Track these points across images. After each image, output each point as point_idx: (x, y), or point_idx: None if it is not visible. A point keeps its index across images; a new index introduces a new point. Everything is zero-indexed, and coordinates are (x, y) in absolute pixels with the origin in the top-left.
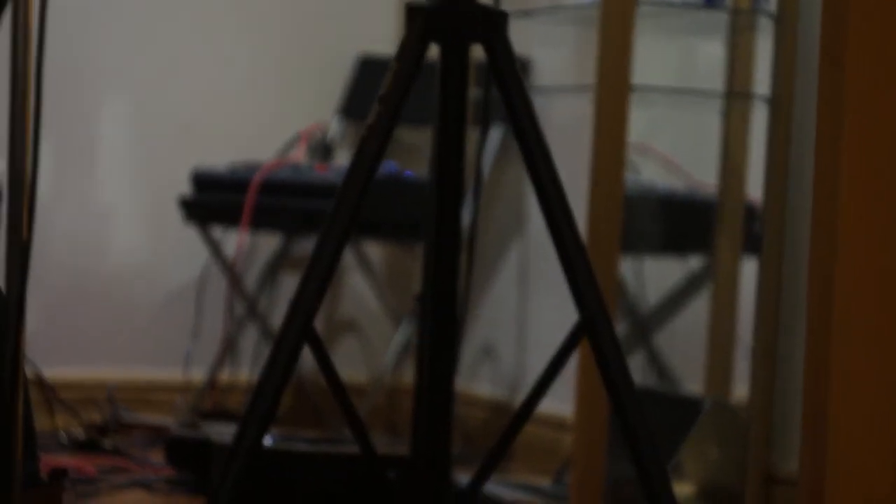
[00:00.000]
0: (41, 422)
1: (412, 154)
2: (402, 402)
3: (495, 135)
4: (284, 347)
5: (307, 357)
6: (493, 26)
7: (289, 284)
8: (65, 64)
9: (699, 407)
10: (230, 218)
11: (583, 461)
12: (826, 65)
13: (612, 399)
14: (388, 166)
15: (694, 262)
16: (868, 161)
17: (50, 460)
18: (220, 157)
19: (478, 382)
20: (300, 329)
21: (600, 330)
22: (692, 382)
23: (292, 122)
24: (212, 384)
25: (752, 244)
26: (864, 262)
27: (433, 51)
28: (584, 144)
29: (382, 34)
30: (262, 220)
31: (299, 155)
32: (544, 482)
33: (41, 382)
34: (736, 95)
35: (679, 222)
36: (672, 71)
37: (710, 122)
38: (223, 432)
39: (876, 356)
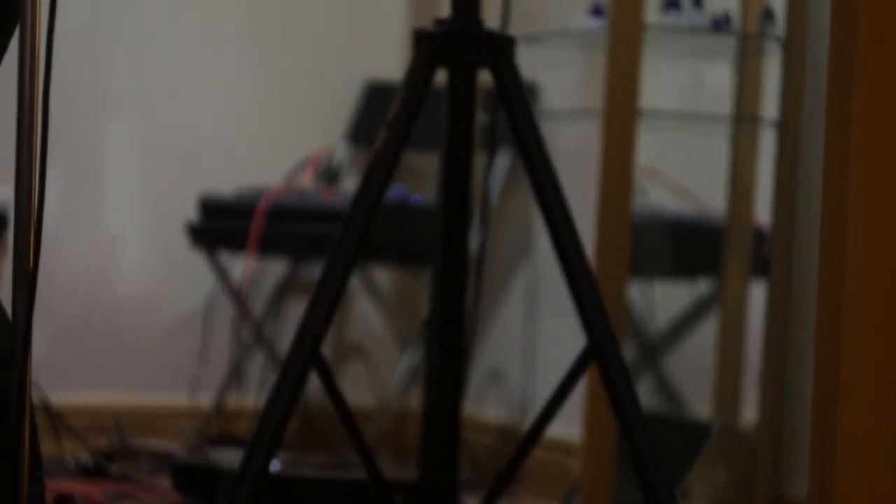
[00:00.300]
0: (48, 448)
1: (420, 178)
2: (409, 427)
3: (503, 159)
4: (291, 373)
5: (314, 382)
6: (501, 51)
7: (296, 310)
8: (72, 89)
9: (707, 431)
10: (237, 243)
11: (591, 485)
12: (834, 89)
13: (620, 423)
14: (396, 191)
15: (702, 286)
16: (876, 184)
17: (56, 486)
18: (228, 183)
19: (485, 407)
20: (307, 354)
21: (608, 354)
22: (700, 406)
23: (300, 147)
24: (219, 410)
25: (760, 267)
26: (874, 285)
27: (441, 76)
28: (591, 169)
29: (391, 60)
30: (269, 246)
31: (306, 180)
32: None
33: (48, 408)
34: (744, 119)
35: (687, 246)
36: (680, 95)
37: (718, 146)
38: (230, 458)
39: (886, 379)
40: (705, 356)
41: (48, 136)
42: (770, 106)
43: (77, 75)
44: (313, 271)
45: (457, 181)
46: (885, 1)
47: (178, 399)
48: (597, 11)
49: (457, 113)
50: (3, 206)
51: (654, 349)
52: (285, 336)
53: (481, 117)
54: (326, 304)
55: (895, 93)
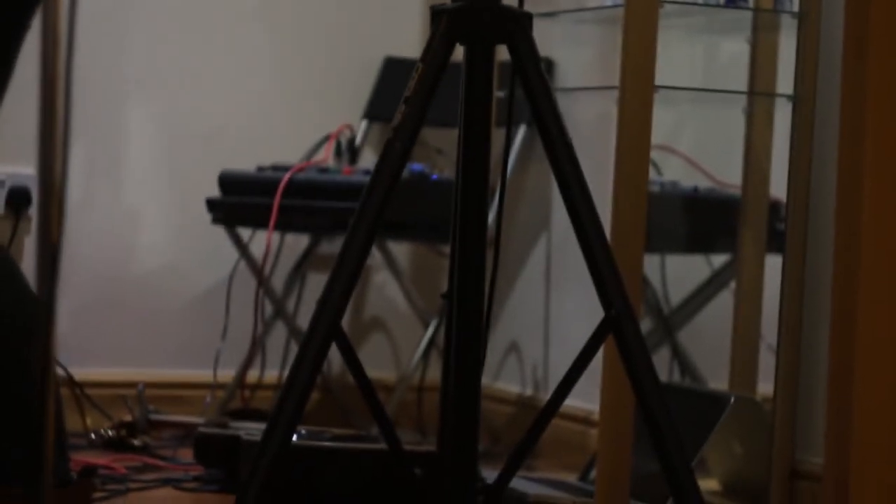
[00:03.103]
0: (71, 422)
1: (438, 155)
2: (429, 400)
3: (520, 135)
4: (312, 346)
5: (335, 355)
6: (518, 27)
7: (316, 284)
8: (93, 69)
9: (724, 403)
10: (258, 219)
11: (609, 457)
12: (849, 62)
13: (638, 395)
14: (415, 167)
15: (718, 260)
16: (891, 157)
17: (80, 459)
18: (248, 161)
19: (504, 380)
20: (327, 328)
21: (625, 327)
22: (717, 379)
23: (319, 124)
24: (241, 383)
25: (775, 241)
26: (889, 258)
27: (458, 52)
28: (608, 144)
29: (410, 37)
30: (289, 222)
31: (326, 157)
32: (571, 478)
33: (72, 382)
34: (759, 94)
35: (703, 220)
36: (696, 70)
37: (733, 121)
38: (252, 430)
39: None
40: (722, 329)
41: (70, 116)
42: (785, 81)
43: (97, 56)
44: (333, 246)
45: (475, 157)
46: None
47: (200, 373)
48: None
49: (474, 89)
50: (27, 184)
51: (671, 322)
52: (306, 310)
53: (499, 93)
54: (346, 279)
55: None
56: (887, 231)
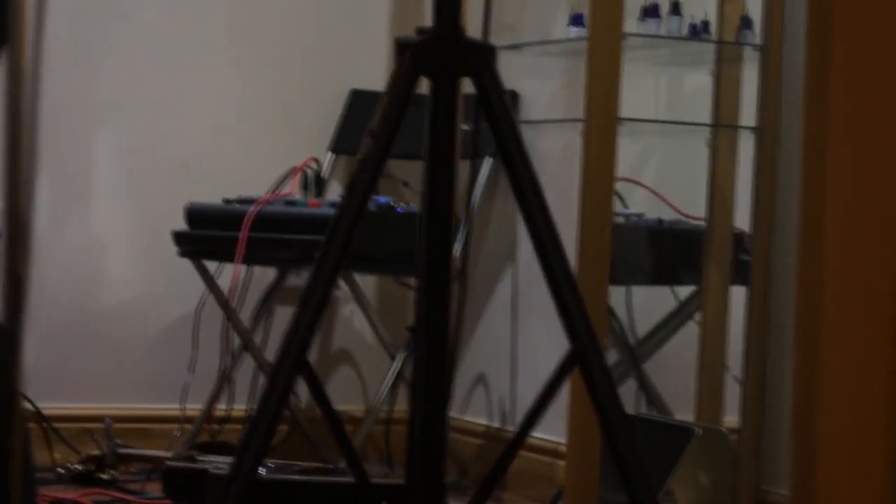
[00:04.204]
0: (39, 456)
1: (404, 188)
2: (396, 432)
3: (486, 167)
4: (279, 379)
5: (303, 387)
6: (482, 60)
7: (284, 317)
8: (60, 99)
9: (690, 434)
10: (225, 252)
11: (576, 489)
12: (811, 95)
13: (604, 427)
14: (381, 200)
15: (683, 291)
16: (853, 190)
17: (48, 494)
18: (215, 192)
19: (471, 412)
20: (294, 361)
21: (591, 359)
22: (683, 410)
23: (287, 157)
24: (208, 417)
25: (740, 273)
26: (851, 290)
27: (424, 84)
28: (573, 176)
29: (376, 69)
30: (256, 255)
31: (293, 190)
32: None
33: (39, 416)
34: (723, 126)
35: (668, 252)
36: (660, 102)
37: (698, 153)
38: (220, 464)
39: (863, 382)
40: (687, 361)
41: (37, 146)
42: (749, 113)
43: (65, 85)
44: (300, 279)
45: (440, 189)
46: (861, 7)
47: (168, 406)
48: (577, 21)
49: (439, 121)
50: None
51: (637, 354)
52: (274, 343)
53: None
54: (312, 312)
55: (871, 99)
56: (850, 262)
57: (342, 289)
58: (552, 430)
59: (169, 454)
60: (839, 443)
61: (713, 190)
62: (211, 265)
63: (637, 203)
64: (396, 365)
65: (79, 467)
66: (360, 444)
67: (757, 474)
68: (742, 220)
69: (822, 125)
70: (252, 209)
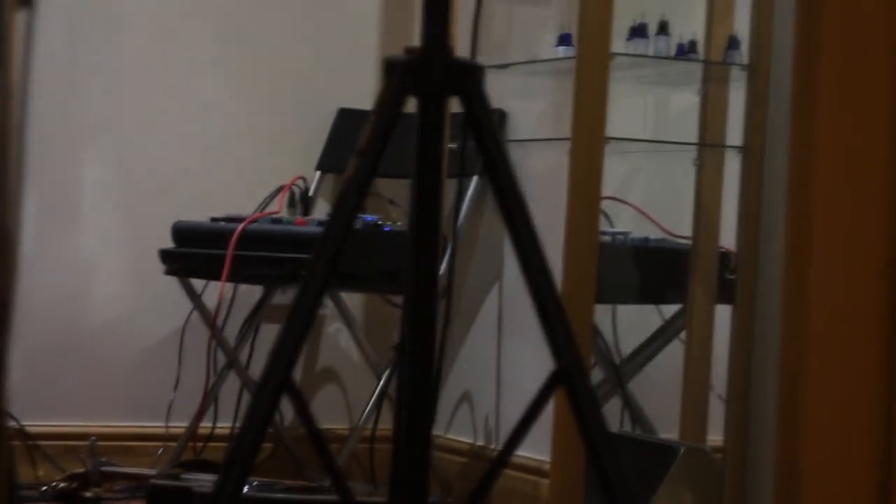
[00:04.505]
0: (23, 473)
1: (391, 206)
2: (381, 451)
3: (473, 186)
4: (263, 398)
5: (288, 405)
6: (470, 79)
7: (270, 335)
8: (49, 117)
9: (674, 453)
10: (211, 270)
11: None
12: (797, 114)
13: (588, 446)
14: (368, 218)
15: (669, 310)
16: (839, 209)
17: None
18: (203, 211)
19: (456, 430)
20: (279, 380)
21: (575, 378)
22: (667, 429)
23: (275, 176)
24: (193, 435)
25: (725, 292)
26: (836, 309)
27: (412, 103)
28: (560, 195)
29: (364, 88)
30: (242, 273)
31: (280, 208)
32: None
33: (23, 434)
34: (709, 146)
35: (654, 271)
36: (647, 122)
37: (684, 172)
38: (204, 482)
39: (849, 401)
40: (672, 379)
41: (24, 165)
42: (735, 132)
43: (53, 104)
44: (287, 297)
45: (427, 208)
46: (847, 28)
47: (152, 424)
48: (565, 40)
49: (426, 140)
50: None
51: (621, 372)
52: (259, 361)
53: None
54: (298, 330)
55: (857, 118)
56: (836, 282)
57: (328, 307)
58: (537, 449)
59: (153, 472)
60: (824, 462)
61: (699, 209)
62: (198, 283)
63: (623, 222)
64: (382, 383)
65: (63, 485)
66: (344, 463)
67: (741, 493)
68: (728, 239)
69: (809, 145)
70: (238, 227)
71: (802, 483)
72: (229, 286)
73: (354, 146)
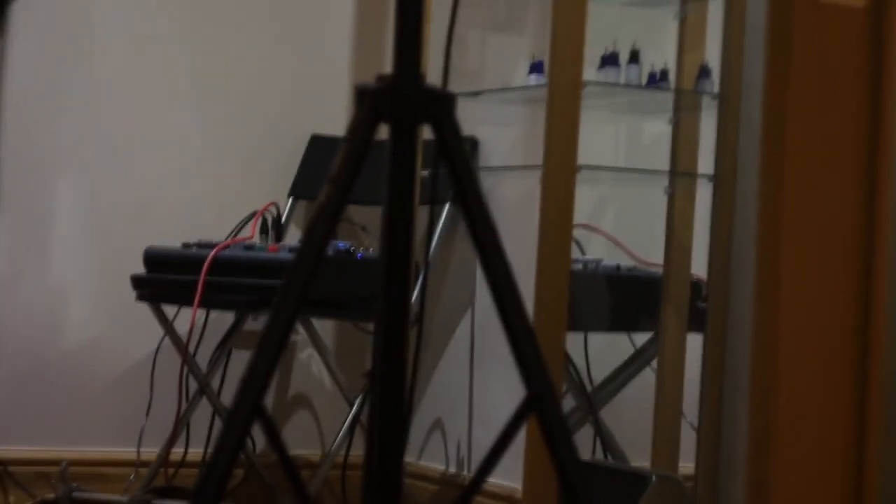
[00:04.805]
0: None
1: (363, 233)
2: (353, 477)
3: (444, 213)
4: (234, 425)
5: (259, 432)
6: (441, 107)
7: (241, 361)
8: (19, 143)
9: (645, 481)
10: (183, 296)
11: None
12: (768, 143)
13: (559, 473)
14: (340, 245)
15: (640, 338)
16: (809, 239)
17: None
18: (175, 236)
19: (428, 457)
20: (250, 406)
21: (547, 405)
22: (639, 456)
23: (247, 202)
24: (164, 461)
25: (697, 320)
26: (806, 338)
27: (384, 129)
28: (532, 222)
29: (336, 115)
30: (214, 299)
31: (252, 234)
32: None
33: None
34: (681, 174)
35: (626, 298)
36: (618, 150)
37: (656, 200)
38: None
39: (820, 431)
40: (644, 407)
41: None
42: (706, 161)
43: (25, 129)
44: (258, 323)
45: (398, 234)
46: (818, 57)
47: (124, 450)
48: (537, 68)
49: (398, 167)
50: None
51: (594, 400)
52: (231, 388)
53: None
54: (269, 357)
55: (827, 148)
56: (805, 310)
57: (300, 333)
58: (509, 476)
59: (124, 498)
60: (795, 490)
61: (671, 237)
62: (170, 309)
63: (595, 249)
64: (354, 410)
65: None
66: (316, 490)
67: None
68: (699, 267)
69: (779, 173)
70: (210, 253)
71: None
72: (201, 312)
73: (327, 173)
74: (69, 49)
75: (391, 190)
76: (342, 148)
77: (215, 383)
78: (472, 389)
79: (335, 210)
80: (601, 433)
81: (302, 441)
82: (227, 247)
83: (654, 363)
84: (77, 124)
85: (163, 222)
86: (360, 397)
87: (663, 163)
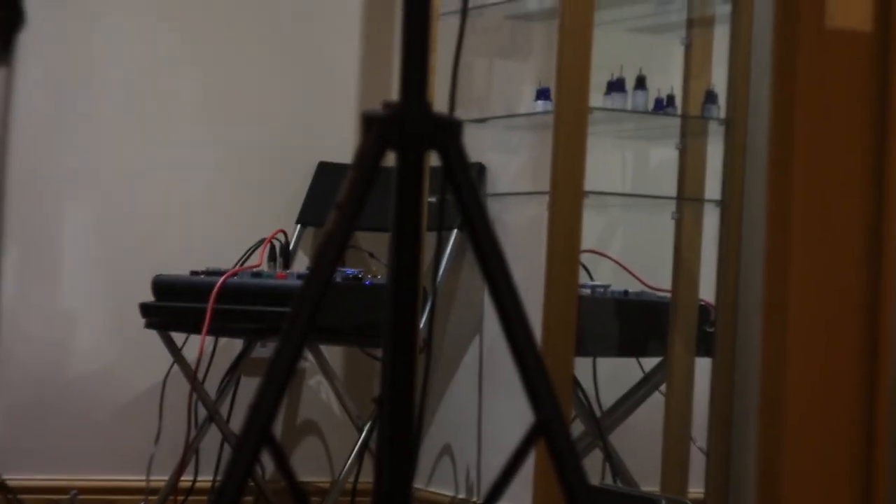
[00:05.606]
0: None
1: (371, 260)
2: None
3: (452, 239)
4: (243, 452)
5: (269, 458)
6: (448, 134)
7: (250, 388)
8: (28, 169)
9: None
10: (191, 324)
11: None
12: (774, 168)
13: (569, 499)
14: (348, 271)
15: (649, 363)
16: (816, 263)
17: None
18: (183, 264)
19: (437, 483)
20: (259, 433)
21: (556, 431)
22: (648, 481)
23: (254, 229)
24: (173, 488)
25: (705, 344)
26: (815, 362)
27: (391, 156)
28: (539, 248)
29: (344, 142)
30: (222, 326)
31: (260, 262)
32: None
33: (3, 487)
34: (688, 199)
35: (634, 324)
36: (626, 175)
37: (663, 225)
38: None
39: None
40: (653, 432)
41: (4, 217)
42: (713, 186)
43: (33, 155)
44: (267, 350)
45: (406, 261)
46: (824, 82)
47: (133, 478)
48: (543, 95)
49: (405, 194)
50: None
51: (603, 425)
52: (240, 415)
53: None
54: (278, 384)
55: (833, 172)
56: (813, 334)
57: (308, 360)
58: (518, 502)
59: None
60: None
61: (678, 262)
62: (178, 337)
63: (603, 275)
64: (363, 436)
65: None
66: None
67: None
68: (707, 292)
69: (786, 198)
70: (219, 281)
71: None
72: (210, 340)
73: (334, 200)
74: (77, 75)
75: (399, 216)
76: (349, 175)
77: (224, 410)
78: (480, 415)
79: (343, 237)
80: (610, 458)
81: (311, 468)
82: (235, 274)
83: (663, 388)
84: (85, 153)
85: (171, 250)
86: (368, 423)
87: (670, 188)
